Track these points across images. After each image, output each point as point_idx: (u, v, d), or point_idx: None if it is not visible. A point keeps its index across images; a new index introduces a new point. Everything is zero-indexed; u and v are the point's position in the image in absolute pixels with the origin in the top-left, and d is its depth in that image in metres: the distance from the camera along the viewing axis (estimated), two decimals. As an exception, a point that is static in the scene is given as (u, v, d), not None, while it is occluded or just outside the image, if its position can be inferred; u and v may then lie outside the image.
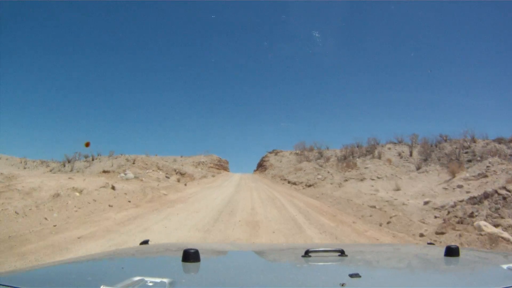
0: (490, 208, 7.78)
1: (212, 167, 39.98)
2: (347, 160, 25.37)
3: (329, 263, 1.42)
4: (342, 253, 1.43)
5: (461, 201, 9.61)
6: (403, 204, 11.32)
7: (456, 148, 21.93)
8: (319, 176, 21.38)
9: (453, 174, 14.86)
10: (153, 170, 22.35)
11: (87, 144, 19.85)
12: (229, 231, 7.08)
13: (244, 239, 6.43)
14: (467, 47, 46.11)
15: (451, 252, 1.44)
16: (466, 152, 21.04)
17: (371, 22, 48.46)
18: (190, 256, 1.26)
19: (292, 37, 50.23)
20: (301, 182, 21.16)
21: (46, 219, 7.06)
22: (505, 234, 6.16)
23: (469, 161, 18.90)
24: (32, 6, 46.71)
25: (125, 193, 11.48)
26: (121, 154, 28.43)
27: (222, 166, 45.18)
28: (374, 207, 11.07)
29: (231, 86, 70.13)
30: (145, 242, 2.03)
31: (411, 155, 24.40)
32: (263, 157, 46.01)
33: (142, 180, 17.54)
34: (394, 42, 49.13)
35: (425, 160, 21.98)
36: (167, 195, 13.30)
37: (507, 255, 2.01)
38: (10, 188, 9.39)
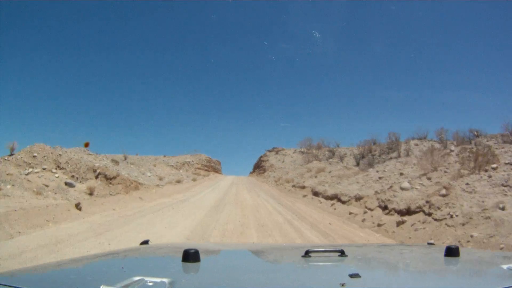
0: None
1: (199, 168, 34.87)
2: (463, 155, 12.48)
3: (329, 263, 1.42)
4: (342, 253, 1.43)
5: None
6: None
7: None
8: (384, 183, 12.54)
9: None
10: (45, 169, 12.82)
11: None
12: None
13: None
14: (467, 47, 46.15)
15: (451, 252, 1.44)
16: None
17: (371, 22, 48.50)
18: (190, 256, 1.26)
19: (292, 37, 50.19)
20: (345, 194, 13.13)
21: None
22: None
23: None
24: (32, 6, 46.59)
25: None
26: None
27: (212, 168, 40.29)
28: None
29: (231, 87, 70.33)
30: (145, 242, 2.02)
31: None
32: (261, 157, 41.36)
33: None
34: (394, 42, 49.16)
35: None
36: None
37: (507, 255, 2.01)
38: None
